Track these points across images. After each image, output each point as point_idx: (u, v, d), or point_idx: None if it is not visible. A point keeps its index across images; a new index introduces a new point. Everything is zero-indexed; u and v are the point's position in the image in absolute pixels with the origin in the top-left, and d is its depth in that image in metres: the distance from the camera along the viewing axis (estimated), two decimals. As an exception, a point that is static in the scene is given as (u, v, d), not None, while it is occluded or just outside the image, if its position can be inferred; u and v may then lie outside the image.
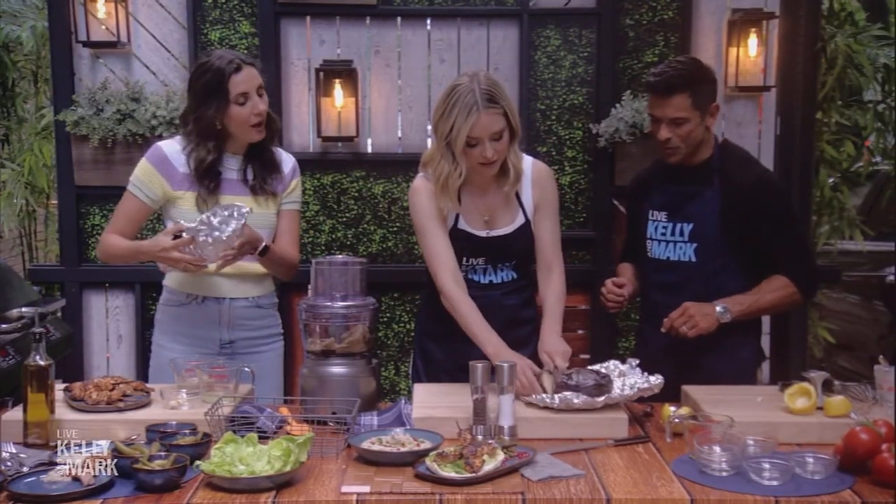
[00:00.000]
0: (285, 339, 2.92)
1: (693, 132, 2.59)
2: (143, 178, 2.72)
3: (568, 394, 2.29)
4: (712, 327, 2.57)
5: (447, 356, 2.65)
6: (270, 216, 2.77)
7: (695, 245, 2.67)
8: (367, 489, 1.89)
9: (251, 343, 2.80)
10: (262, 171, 2.75)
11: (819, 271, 2.76)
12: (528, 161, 2.66)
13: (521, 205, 2.63)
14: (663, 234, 2.73)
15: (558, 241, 2.69)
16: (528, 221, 2.63)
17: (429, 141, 3.79)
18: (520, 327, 2.61)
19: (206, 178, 2.69)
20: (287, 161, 2.84)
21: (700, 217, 2.66)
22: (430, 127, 3.86)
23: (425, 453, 2.00)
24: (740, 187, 2.62)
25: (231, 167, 2.74)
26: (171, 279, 2.80)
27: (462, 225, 2.61)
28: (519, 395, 2.28)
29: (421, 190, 2.60)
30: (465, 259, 2.62)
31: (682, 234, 2.69)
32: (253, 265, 2.73)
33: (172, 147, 2.73)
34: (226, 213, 2.55)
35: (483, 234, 2.60)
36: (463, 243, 2.61)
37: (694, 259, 2.67)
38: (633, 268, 2.90)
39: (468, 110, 2.42)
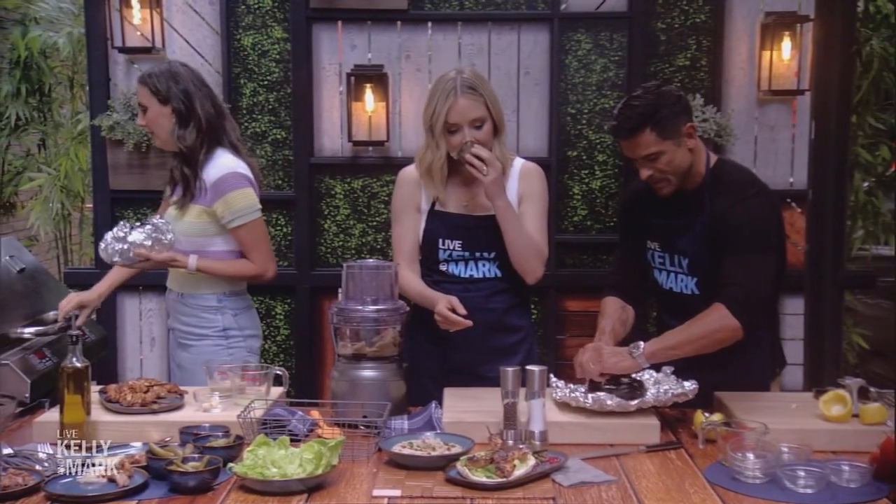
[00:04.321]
0: (315, 342, 2.93)
1: (673, 161, 2.41)
2: None
3: (602, 395, 2.28)
4: (624, 364, 2.35)
5: (432, 361, 2.66)
6: (183, 224, 2.82)
7: (695, 279, 2.52)
8: (398, 493, 1.89)
9: (182, 335, 2.92)
10: (179, 180, 2.85)
11: (761, 303, 2.42)
12: (519, 161, 2.73)
13: None
14: (661, 264, 2.59)
15: (542, 233, 2.68)
16: None
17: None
18: (506, 334, 2.56)
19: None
20: (213, 177, 2.79)
21: (693, 252, 2.49)
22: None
23: (456, 458, 2.01)
24: (719, 214, 2.43)
25: None
26: None
27: (438, 207, 2.67)
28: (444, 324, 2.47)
29: (404, 179, 2.74)
30: (441, 241, 2.65)
31: (680, 265, 2.54)
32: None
33: None
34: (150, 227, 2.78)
35: (457, 212, 2.66)
36: (438, 223, 2.66)
37: (697, 292, 2.51)
38: (620, 304, 2.64)
39: (447, 95, 2.55)
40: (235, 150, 2.88)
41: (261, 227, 2.87)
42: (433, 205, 2.67)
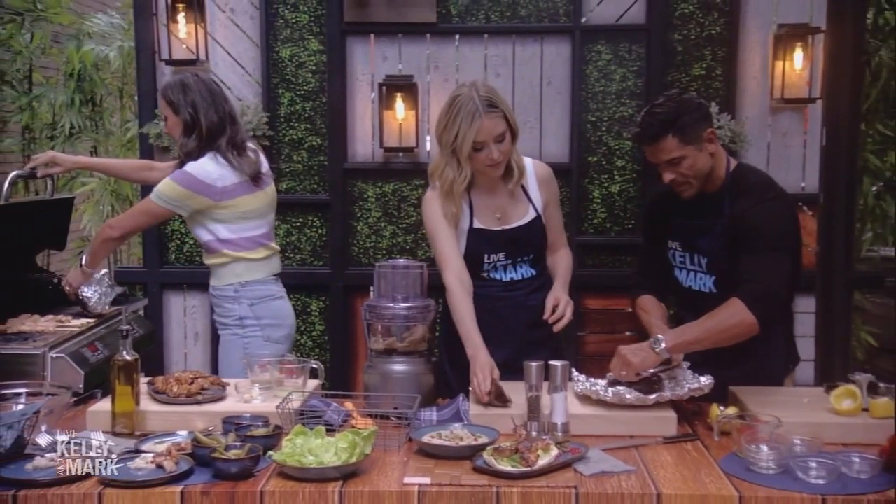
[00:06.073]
0: (348, 337, 2.93)
1: (695, 165, 2.40)
2: None
3: (621, 388, 2.27)
4: (651, 359, 2.32)
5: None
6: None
7: (713, 277, 2.50)
8: (427, 480, 1.89)
9: (217, 326, 3.04)
10: None
11: (776, 300, 2.39)
12: (529, 161, 2.70)
13: (530, 200, 2.66)
14: (682, 263, 2.58)
15: (562, 227, 2.82)
16: (538, 216, 2.67)
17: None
18: (544, 328, 2.57)
19: None
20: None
21: (712, 251, 2.48)
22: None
23: (482, 448, 2.01)
24: (739, 215, 2.41)
25: None
26: None
27: (477, 225, 2.62)
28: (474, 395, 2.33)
29: (431, 199, 2.63)
30: (486, 256, 2.63)
31: (699, 264, 2.52)
32: (206, 257, 2.98)
33: None
34: None
35: (499, 228, 2.63)
36: (482, 241, 2.62)
37: (715, 290, 2.48)
38: (657, 302, 2.62)
39: (471, 117, 2.47)
40: (224, 155, 2.85)
41: (149, 210, 2.91)
42: (471, 223, 2.62)
